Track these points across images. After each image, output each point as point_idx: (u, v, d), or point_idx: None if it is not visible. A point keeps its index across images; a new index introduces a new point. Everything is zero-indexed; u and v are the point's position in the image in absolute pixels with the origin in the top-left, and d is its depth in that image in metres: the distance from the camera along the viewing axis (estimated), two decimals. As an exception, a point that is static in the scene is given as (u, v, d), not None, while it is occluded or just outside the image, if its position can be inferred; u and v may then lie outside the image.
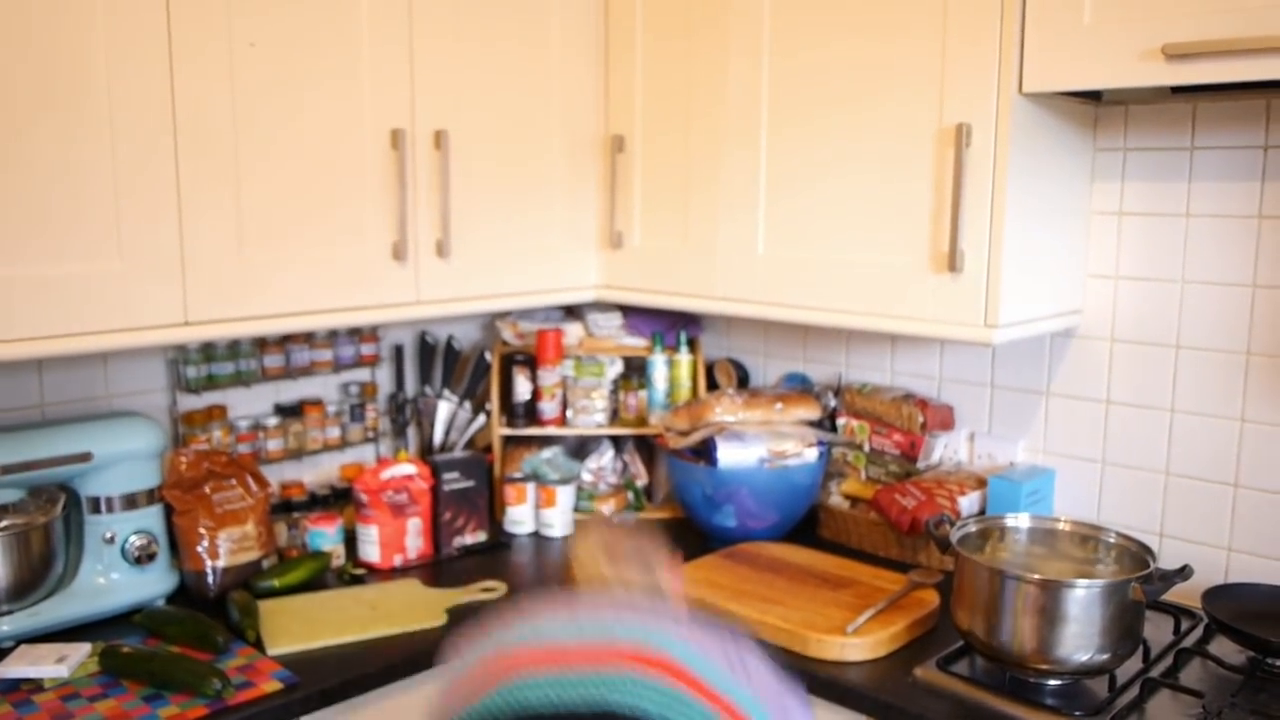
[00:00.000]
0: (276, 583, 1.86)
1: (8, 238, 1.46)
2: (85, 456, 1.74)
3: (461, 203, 1.96)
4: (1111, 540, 1.68)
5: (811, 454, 2.11)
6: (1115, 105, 1.86)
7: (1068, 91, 1.64)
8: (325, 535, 2.00)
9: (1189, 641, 1.68)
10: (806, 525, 2.20)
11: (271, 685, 1.55)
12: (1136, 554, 1.62)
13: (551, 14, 2.09)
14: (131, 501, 1.80)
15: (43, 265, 1.50)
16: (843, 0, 1.79)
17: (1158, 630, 1.70)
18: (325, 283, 1.80)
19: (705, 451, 2.10)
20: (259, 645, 1.67)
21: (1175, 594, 1.65)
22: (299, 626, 1.73)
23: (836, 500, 2.18)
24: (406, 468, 2.06)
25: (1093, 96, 1.79)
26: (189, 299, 1.65)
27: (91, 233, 1.54)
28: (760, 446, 2.08)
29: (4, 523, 1.67)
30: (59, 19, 1.48)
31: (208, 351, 2.02)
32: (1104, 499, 1.95)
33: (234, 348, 2.05)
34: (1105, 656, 1.50)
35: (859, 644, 1.64)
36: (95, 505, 1.78)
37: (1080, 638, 1.49)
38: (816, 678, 1.61)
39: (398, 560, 2.04)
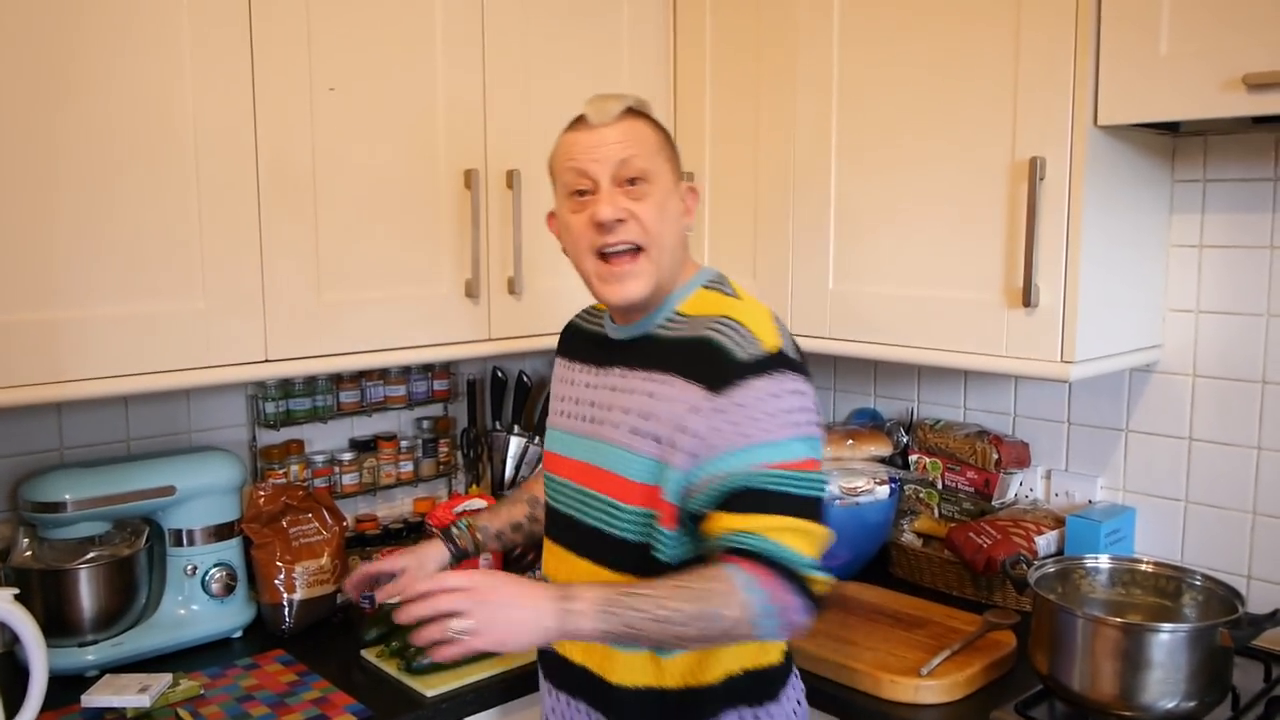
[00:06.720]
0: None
1: (99, 279, 1.52)
2: (168, 490, 1.79)
3: (532, 241, 1.99)
4: (1197, 582, 1.63)
5: (883, 491, 2.08)
6: (1193, 136, 1.82)
7: (1144, 123, 1.61)
8: (398, 569, 2.03)
9: (1281, 689, 1.62)
10: (878, 564, 2.17)
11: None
12: (1224, 597, 1.57)
13: (621, 55, 2.12)
14: (212, 535, 1.85)
15: (131, 304, 1.55)
16: (911, 34, 1.79)
17: (1247, 677, 1.63)
18: (400, 320, 1.84)
19: (775, 488, 2.09)
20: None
21: (1266, 639, 1.59)
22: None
23: (909, 538, 2.15)
24: (477, 503, 2.08)
25: (1170, 128, 1.75)
26: (269, 337, 1.69)
27: (177, 273, 1.59)
28: (831, 483, 2.06)
29: (91, 554, 1.73)
30: (149, 68, 1.54)
31: (286, 388, 2.07)
32: (1188, 539, 1.90)
33: (311, 384, 2.10)
34: (1192, 704, 1.45)
35: (934, 686, 1.60)
36: (178, 538, 1.83)
37: (1165, 684, 1.44)
38: (890, 720, 1.58)
39: (468, 595, 2.05)
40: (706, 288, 1.43)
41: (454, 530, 1.72)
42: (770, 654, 1.42)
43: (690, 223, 1.44)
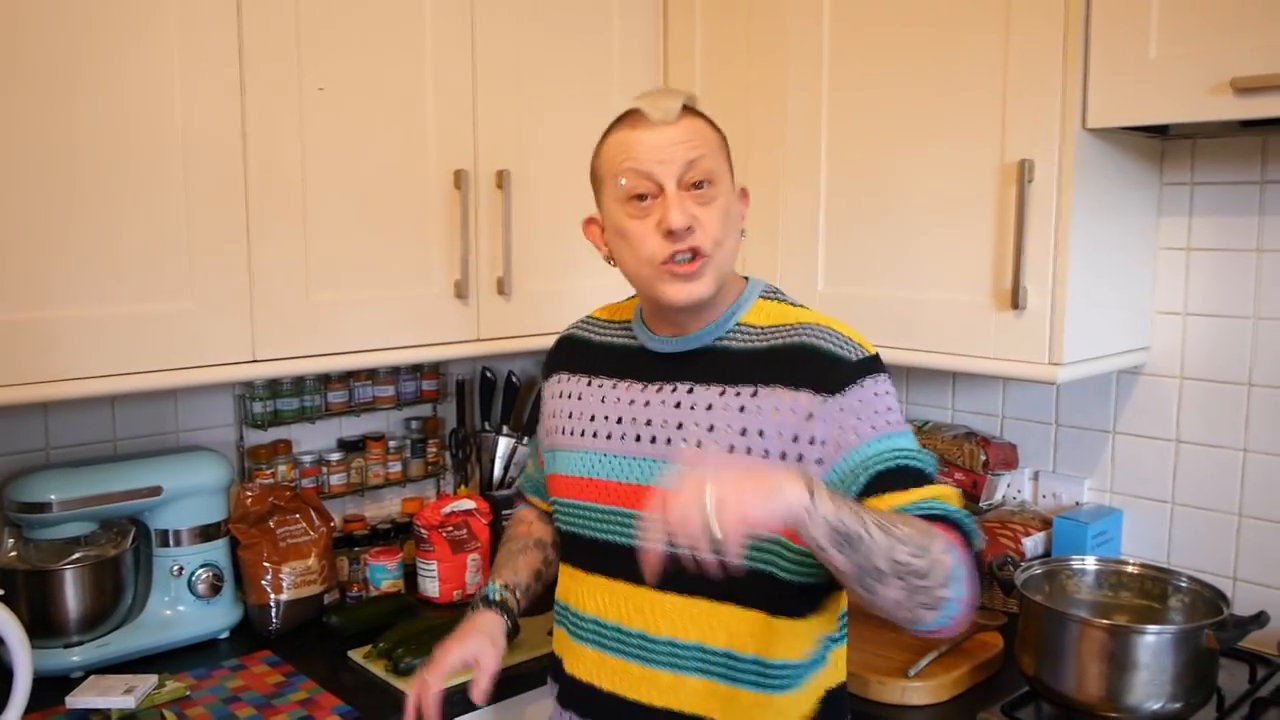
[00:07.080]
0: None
1: (86, 279, 1.51)
2: (155, 490, 1.78)
3: (522, 241, 1.98)
4: (1183, 584, 1.64)
5: (872, 492, 2.08)
6: (1182, 139, 1.83)
7: (1133, 126, 1.62)
8: (385, 570, 2.02)
9: (1265, 690, 1.62)
10: (867, 564, 2.17)
11: (332, 720, 1.56)
12: (1210, 599, 1.58)
13: (612, 59, 2.12)
14: (199, 535, 1.84)
15: (118, 305, 1.54)
16: (900, 38, 1.79)
17: (1232, 679, 1.64)
18: (389, 321, 1.83)
19: (764, 489, 2.09)
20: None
21: (1251, 641, 1.60)
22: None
23: (897, 539, 2.15)
24: (466, 503, 2.08)
25: (1158, 130, 1.76)
26: (257, 337, 1.68)
27: (165, 274, 1.59)
28: (819, 484, 2.06)
29: (76, 555, 1.72)
30: (138, 69, 1.53)
31: (274, 388, 2.06)
32: (1174, 541, 1.90)
33: (299, 384, 2.09)
34: (1177, 705, 1.46)
35: (921, 688, 1.61)
36: (164, 538, 1.82)
37: (1151, 685, 1.45)
38: (878, 722, 1.58)
39: (456, 595, 2.05)
40: (765, 298, 1.38)
41: (492, 598, 1.49)
42: (840, 673, 1.39)
43: (744, 227, 1.37)
